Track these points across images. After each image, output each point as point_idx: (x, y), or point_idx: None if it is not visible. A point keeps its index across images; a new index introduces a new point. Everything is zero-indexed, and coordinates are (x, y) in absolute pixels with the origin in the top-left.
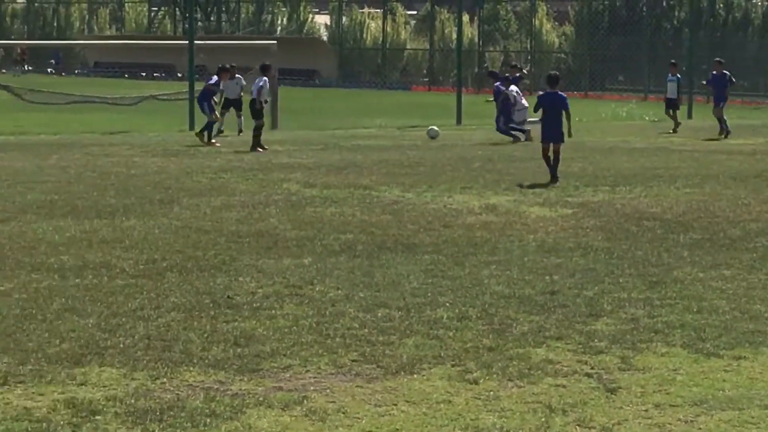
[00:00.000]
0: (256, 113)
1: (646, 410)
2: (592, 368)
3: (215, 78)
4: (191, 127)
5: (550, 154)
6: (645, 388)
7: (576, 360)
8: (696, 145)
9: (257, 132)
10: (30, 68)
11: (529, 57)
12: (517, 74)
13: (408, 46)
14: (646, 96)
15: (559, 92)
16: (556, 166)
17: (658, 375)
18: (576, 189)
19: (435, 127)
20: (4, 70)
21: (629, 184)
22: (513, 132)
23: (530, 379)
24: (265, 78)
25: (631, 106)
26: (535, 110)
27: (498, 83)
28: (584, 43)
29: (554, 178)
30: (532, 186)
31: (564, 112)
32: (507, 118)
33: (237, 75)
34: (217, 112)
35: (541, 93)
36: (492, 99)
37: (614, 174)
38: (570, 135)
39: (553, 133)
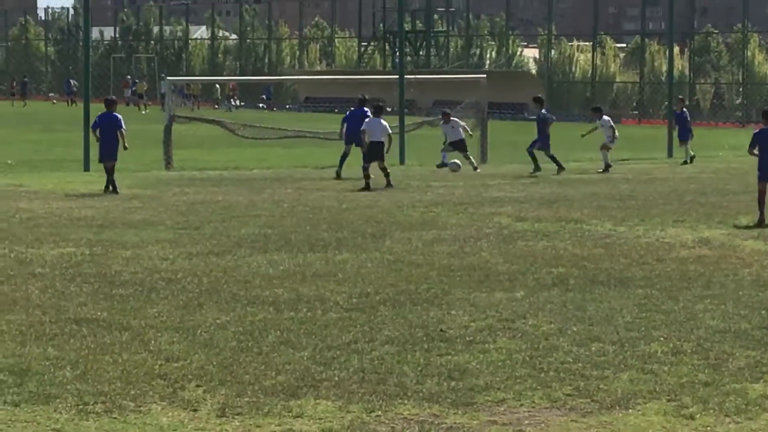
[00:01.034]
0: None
1: None
2: None
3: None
4: (401, 161)
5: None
6: None
7: None
8: None
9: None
10: (241, 104)
11: (741, 89)
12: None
13: (617, 79)
14: None
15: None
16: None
17: None
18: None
19: (457, 161)
20: (216, 106)
21: None
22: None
23: (747, 415)
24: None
25: None
26: (751, 148)
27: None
28: None
29: (761, 221)
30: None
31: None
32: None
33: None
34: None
35: (756, 130)
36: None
37: None
38: None
39: None
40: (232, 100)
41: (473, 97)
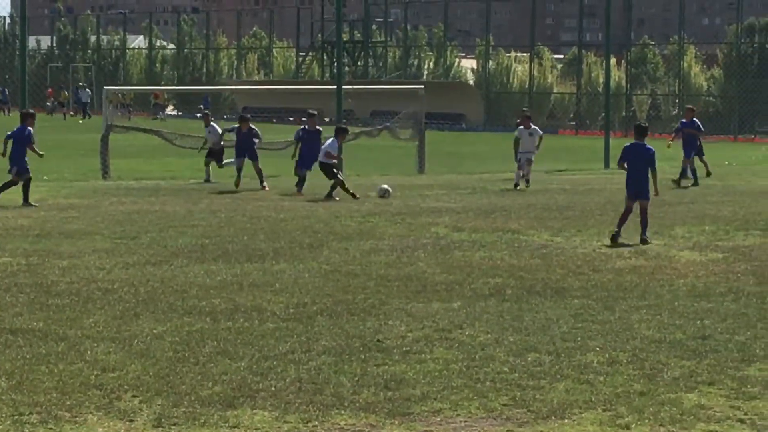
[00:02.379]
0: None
1: None
2: (745, 414)
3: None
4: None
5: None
6: None
7: (729, 405)
8: None
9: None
10: (179, 113)
11: (677, 100)
12: None
13: (555, 90)
14: None
15: (647, 145)
16: (646, 226)
17: None
18: (726, 233)
19: (385, 186)
20: (157, 116)
21: None
22: None
23: (683, 425)
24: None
25: None
26: (621, 162)
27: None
28: (733, 85)
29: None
30: (681, 230)
31: (650, 169)
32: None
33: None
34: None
35: (627, 144)
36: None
37: (766, 218)
38: (656, 193)
39: (638, 188)
40: (162, 109)
41: (411, 108)
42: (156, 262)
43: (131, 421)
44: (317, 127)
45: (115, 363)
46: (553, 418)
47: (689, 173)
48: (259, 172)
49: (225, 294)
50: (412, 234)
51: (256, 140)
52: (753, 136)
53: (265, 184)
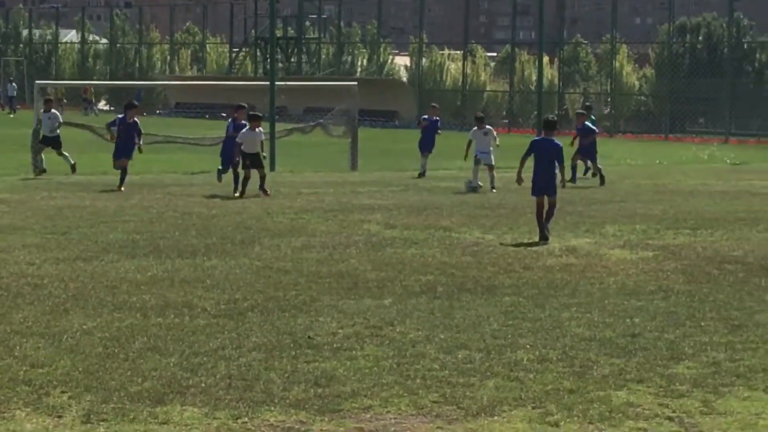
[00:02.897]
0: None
1: None
2: (673, 411)
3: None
4: (272, 168)
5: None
6: None
7: (657, 403)
8: None
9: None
10: (111, 108)
11: (609, 99)
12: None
13: (488, 88)
14: (728, 139)
15: (555, 140)
16: (550, 219)
17: (740, 419)
18: (657, 232)
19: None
20: (87, 111)
21: (711, 227)
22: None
23: (611, 422)
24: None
25: (712, 149)
26: (526, 156)
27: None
28: (665, 85)
29: (543, 236)
30: (612, 228)
31: (557, 163)
32: None
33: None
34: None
35: (534, 138)
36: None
37: (695, 217)
38: (563, 185)
39: (545, 184)
40: (89, 104)
41: (344, 105)
42: (86, 257)
43: (60, 417)
44: (243, 121)
45: (44, 359)
46: (482, 415)
47: (574, 171)
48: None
49: (156, 290)
50: (344, 231)
51: (137, 138)
52: (683, 136)
53: (123, 188)
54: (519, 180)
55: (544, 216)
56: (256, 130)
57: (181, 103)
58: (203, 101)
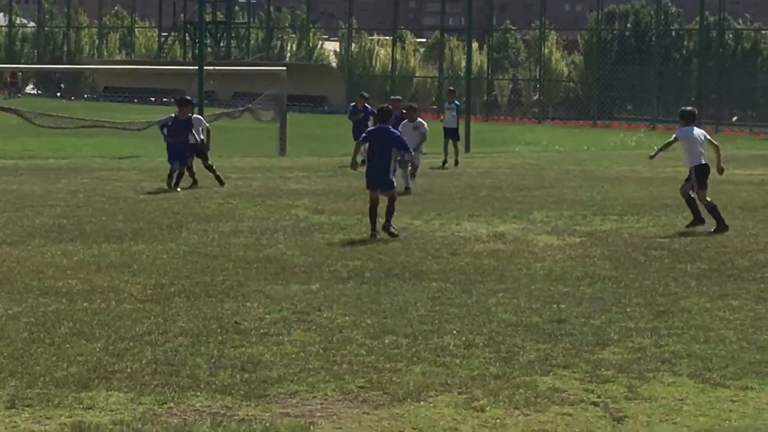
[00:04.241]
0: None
1: None
2: (598, 397)
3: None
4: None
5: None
6: (651, 418)
7: (583, 389)
8: None
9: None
10: (39, 92)
11: (538, 85)
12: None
13: (417, 74)
14: (655, 125)
15: (391, 129)
16: (391, 215)
17: (665, 404)
18: (584, 218)
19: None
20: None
21: (637, 214)
22: None
23: (537, 408)
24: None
25: (639, 135)
26: (362, 142)
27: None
28: (593, 72)
29: (385, 228)
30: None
31: (397, 151)
32: None
33: None
34: None
35: (371, 128)
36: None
37: (622, 203)
38: (413, 169)
39: (380, 177)
40: (14, 87)
41: (273, 90)
42: (12, 242)
43: None
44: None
45: None
46: (409, 400)
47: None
48: None
49: (82, 275)
50: (272, 216)
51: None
52: (611, 122)
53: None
54: (354, 166)
55: (386, 211)
56: (192, 116)
57: (109, 88)
58: (132, 86)
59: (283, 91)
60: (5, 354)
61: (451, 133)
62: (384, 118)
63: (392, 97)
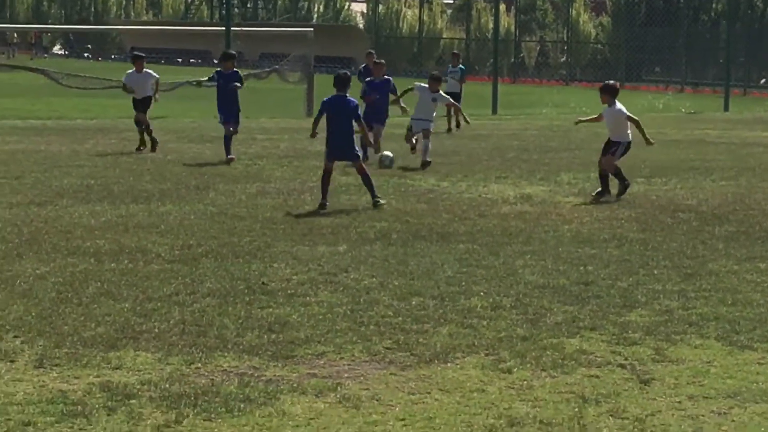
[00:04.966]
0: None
1: (680, 402)
2: (625, 359)
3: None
4: None
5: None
6: (678, 380)
7: (610, 351)
8: (732, 137)
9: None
10: (67, 53)
11: (565, 47)
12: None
13: (444, 35)
14: (683, 88)
15: (349, 97)
16: (372, 187)
17: (692, 367)
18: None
19: (388, 153)
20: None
21: (665, 176)
22: None
23: (564, 370)
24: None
25: (667, 97)
26: (317, 117)
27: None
28: (621, 33)
29: (373, 203)
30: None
31: (355, 122)
32: None
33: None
34: None
35: (325, 98)
36: None
37: (650, 166)
38: (375, 148)
39: (341, 147)
40: (37, 48)
41: (300, 51)
42: (40, 202)
43: (12, 361)
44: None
45: None
46: (436, 361)
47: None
48: None
49: (110, 235)
50: (299, 177)
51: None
52: (638, 84)
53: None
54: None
55: (363, 183)
56: (144, 72)
57: (136, 48)
58: (159, 46)
59: (310, 52)
60: (33, 314)
61: (453, 98)
62: (342, 85)
63: (377, 60)
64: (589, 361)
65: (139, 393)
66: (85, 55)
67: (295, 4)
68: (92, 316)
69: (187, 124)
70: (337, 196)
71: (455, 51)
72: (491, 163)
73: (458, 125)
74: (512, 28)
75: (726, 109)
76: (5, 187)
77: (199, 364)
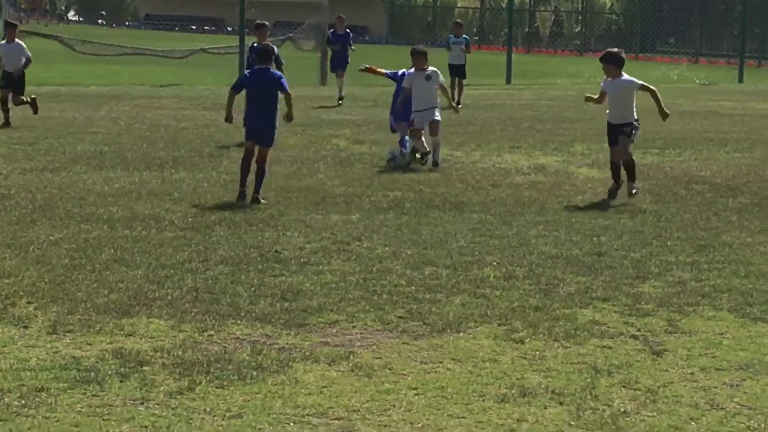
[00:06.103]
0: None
1: (692, 373)
2: (638, 330)
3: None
4: None
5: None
6: (691, 352)
7: (622, 322)
8: (746, 109)
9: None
10: (80, 19)
11: (580, 17)
12: None
13: (458, 4)
14: (697, 59)
15: (272, 69)
16: (261, 181)
17: (705, 338)
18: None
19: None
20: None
21: (679, 148)
22: None
23: (576, 340)
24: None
25: (681, 69)
26: (235, 91)
27: None
28: (636, 4)
29: (253, 197)
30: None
31: (284, 94)
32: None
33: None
34: None
35: (246, 72)
36: None
37: (664, 137)
38: (290, 119)
39: (259, 126)
40: (38, 12)
41: (314, 19)
42: (54, 168)
43: (26, 327)
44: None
45: (10, 269)
46: (448, 331)
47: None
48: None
49: (123, 202)
50: (313, 146)
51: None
52: (653, 55)
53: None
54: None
55: (255, 175)
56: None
57: (150, 15)
58: (173, 13)
59: (325, 20)
60: (47, 280)
61: (458, 71)
62: (264, 58)
63: (339, 16)
64: (602, 332)
65: (152, 360)
66: (99, 21)
67: None
68: (105, 282)
69: (201, 91)
70: (350, 165)
71: (457, 20)
72: (505, 133)
73: (459, 103)
74: None
75: (740, 80)
76: (19, 153)
77: (212, 332)
